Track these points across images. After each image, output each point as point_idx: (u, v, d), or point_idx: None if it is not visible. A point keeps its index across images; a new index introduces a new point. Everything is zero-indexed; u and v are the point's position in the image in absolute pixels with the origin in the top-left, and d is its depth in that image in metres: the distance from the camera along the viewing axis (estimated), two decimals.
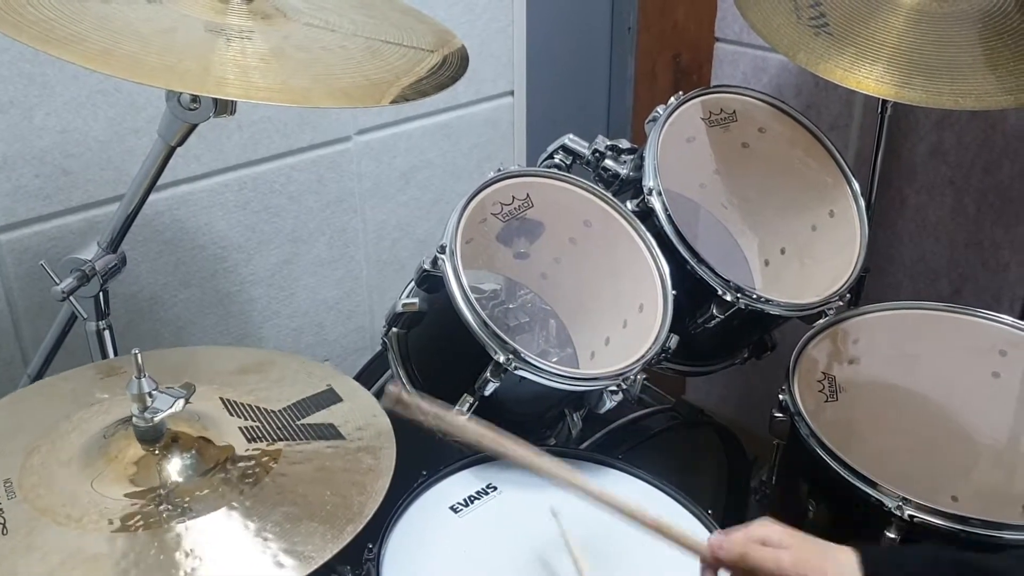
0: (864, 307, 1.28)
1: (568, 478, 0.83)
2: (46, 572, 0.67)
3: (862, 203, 1.28)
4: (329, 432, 0.83)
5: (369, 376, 1.39)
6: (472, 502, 1.02)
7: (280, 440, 0.81)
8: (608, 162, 1.27)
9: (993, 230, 1.55)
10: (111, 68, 0.71)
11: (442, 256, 1.03)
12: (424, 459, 1.04)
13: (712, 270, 1.14)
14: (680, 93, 1.26)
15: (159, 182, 0.96)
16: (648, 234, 1.14)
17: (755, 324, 1.27)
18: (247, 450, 0.80)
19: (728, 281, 1.15)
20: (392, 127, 1.49)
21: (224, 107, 0.87)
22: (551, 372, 1.00)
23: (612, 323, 1.18)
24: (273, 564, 0.69)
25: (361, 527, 0.72)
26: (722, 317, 1.16)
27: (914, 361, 1.30)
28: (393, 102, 0.82)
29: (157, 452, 0.77)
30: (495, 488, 1.04)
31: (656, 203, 1.16)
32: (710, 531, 1.01)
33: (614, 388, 1.05)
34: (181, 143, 0.92)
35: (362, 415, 0.86)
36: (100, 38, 0.73)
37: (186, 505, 0.73)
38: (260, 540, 0.71)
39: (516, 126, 1.65)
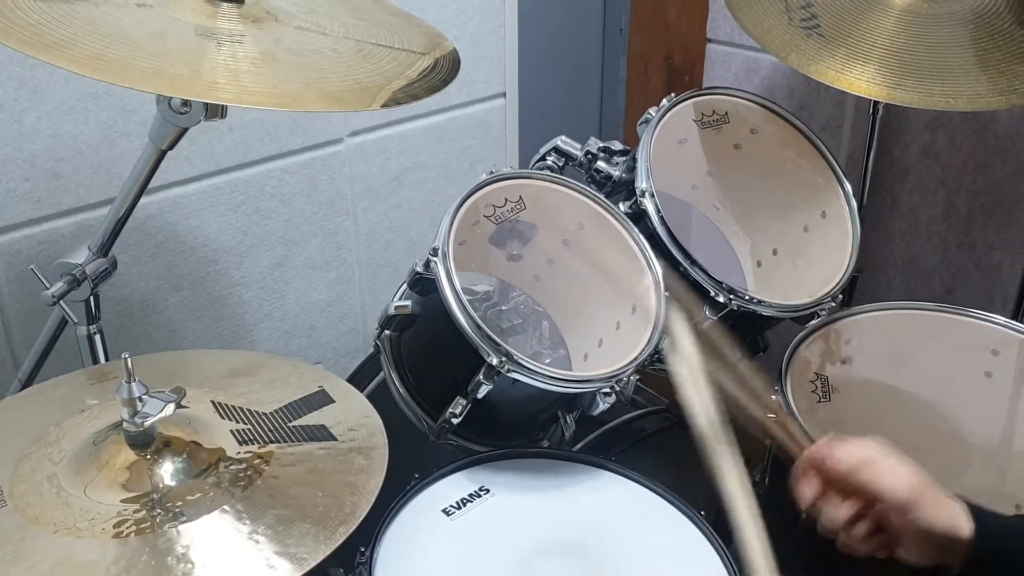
0: (856, 307, 1.28)
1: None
2: None
3: (854, 204, 1.29)
4: (321, 434, 0.83)
5: (362, 378, 1.39)
6: (464, 505, 1.01)
7: (272, 442, 0.81)
8: (600, 164, 1.27)
9: (985, 230, 1.56)
10: (101, 73, 0.70)
11: (435, 259, 1.03)
12: (416, 462, 1.04)
13: (705, 272, 1.14)
14: (672, 95, 1.27)
15: (150, 185, 0.95)
16: (641, 236, 1.14)
17: (748, 325, 1.27)
18: (239, 453, 0.79)
19: (721, 283, 1.15)
20: (384, 129, 1.49)
21: (215, 111, 0.86)
22: (544, 375, 1.00)
23: (605, 325, 1.18)
24: (266, 566, 0.69)
25: (354, 528, 0.72)
26: (715, 319, 1.16)
27: (907, 361, 1.30)
28: (384, 106, 0.81)
29: (148, 457, 0.77)
30: (487, 491, 1.04)
31: (649, 205, 1.16)
32: (703, 533, 1.01)
33: (607, 390, 1.05)
34: (172, 147, 0.91)
35: (354, 416, 0.86)
36: (90, 42, 0.73)
37: (178, 509, 0.73)
38: (252, 543, 0.71)
39: (508, 128, 1.65)
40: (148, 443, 0.77)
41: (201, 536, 0.71)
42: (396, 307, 1.11)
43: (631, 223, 1.16)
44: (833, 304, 1.23)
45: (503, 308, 1.26)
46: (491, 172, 1.12)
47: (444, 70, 0.90)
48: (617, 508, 1.03)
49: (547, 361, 1.20)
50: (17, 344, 1.20)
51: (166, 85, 0.73)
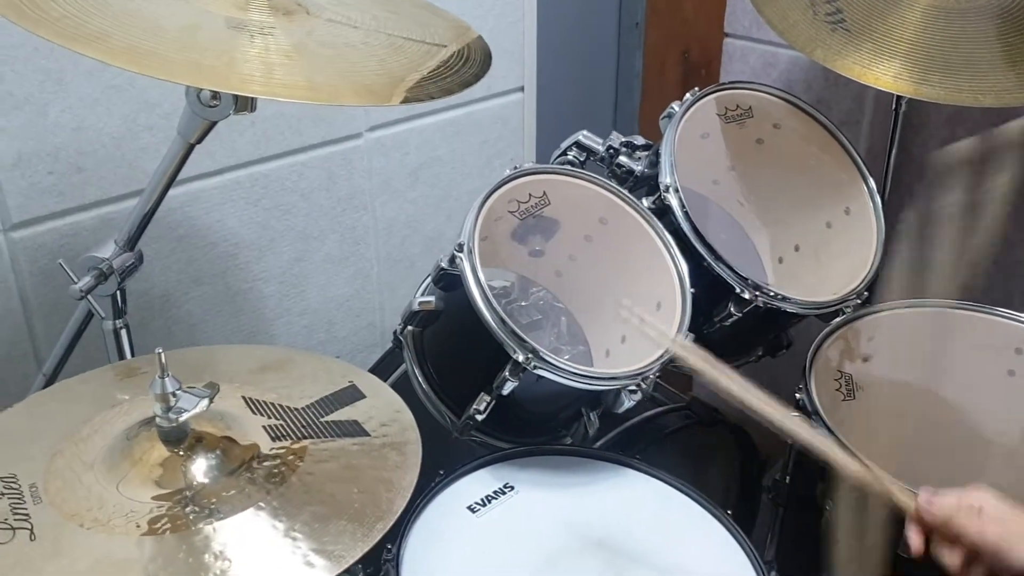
0: (878, 305, 1.28)
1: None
2: None
3: (879, 200, 1.28)
4: (354, 429, 0.82)
5: (380, 373, 1.38)
6: (490, 501, 1.01)
7: (305, 438, 0.80)
8: (622, 159, 1.27)
9: (1004, 226, 1.55)
10: (137, 65, 0.70)
11: (460, 254, 1.02)
12: (441, 458, 1.04)
13: (731, 268, 1.14)
14: (696, 89, 1.26)
15: None
16: (666, 232, 1.14)
17: (770, 322, 1.26)
18: (272, 449, 0.79)
19: (746, 279, 1.14)
20: (403, 123, 1.48)
21: (244, 104, 0.86)
22: (571, 371, 0.99)
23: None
24: (303, 564, 0.68)
25: (391, 524, 0.71)
26: (739, 315, 1.15)
27: (928, 359, 1.30)
28: (417, 100, 0.81)
29: (182, 453, 0.76)
30: (512, 488, 1.03)
31: (673, 200, 1.15)
32: (729, 531, 1.01)
33: (633, 387, 1.05)
34: (200, 140, 0.91)
35: (385, 412, 0.85)
36: (124, 35, 0.72)
37: (213, 506, 0.73)
38: (289, 540, 0.70)
39: (526, 122, 1.65)
40: (181, 439, 0.77)
41: (237, 533, 0.71)
42: (420, 303, 1.10)
43: (655, 219, 1.15)
44: (859, 301, 1.22)
45: (522, 303, 1.25)
46: (515, 167, 1.12)
47: (475, 64, 0.89)
48: (642, 506, 1.03)
49: (566, 356, 1.20)
50: (40, 338, 1.20)
51: (202, 78, 0.72)
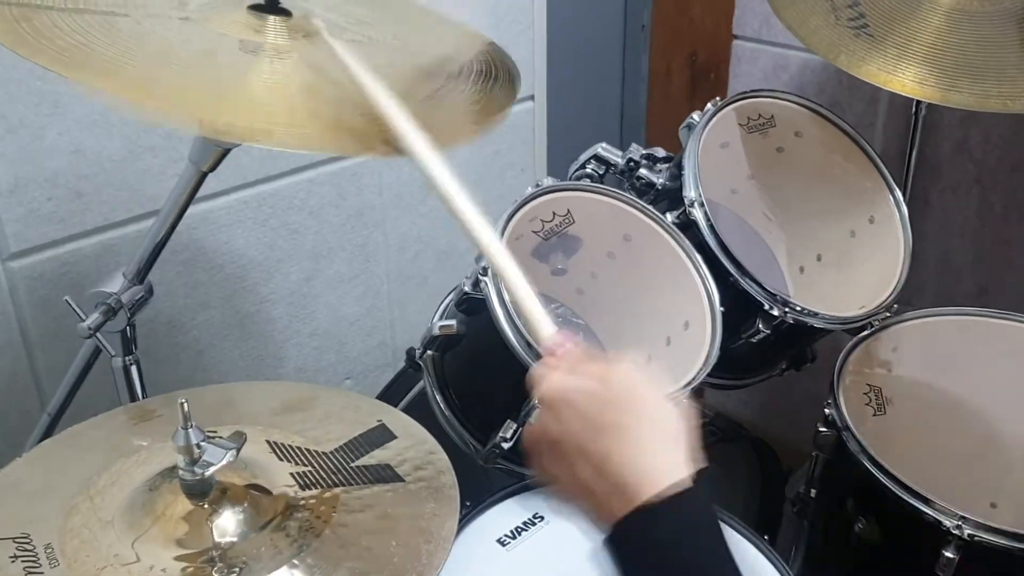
0: (901, 314, 1.25)
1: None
2: None
3: (904, 209, 1.25)
4: (387, 474, 0.78)
5: (394, 394, 1.35)
6: (520, 534, 0.98)
7: (336, 485, 0.76)
8: (643, 171, 1.23)
9: (1020, 228, 1.53)
10: (151, 101, 0.65)
11: (484, 278, 0.98)
12: (466, 489, 1.00)
13: (759, 284, 1.11)
14: (717, 99, 1.22)
15: None
16: (693, 249, 1.10)
17: (796, 336, 1.23)
18: (302, 499, 0.75)
19: (775, 295, 1.11)
20: None
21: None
22: None
23: (654, 340, 1.14)
24: None
25: None
26: (768, 331, 1.12)
27: (951, 366, 1.28)
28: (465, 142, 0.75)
29: (207, 507, 0.72)
30: (542, 518, 1.00)
31: (698, 214, 1.12)
32: (764, 555, 0.98)
33: None
34: (214, 168, 0.86)
35: (418, 453, 0.81)
36: (137, 67, 0.67)
37: (244, 564, 0.68)
38: None
39: (537, 131, 1.60)
40: (206, 492, 0.72)
41: None
42: (441, 327, 1.06)
43: (682, 235, 1.11)
44: (888, 314, 1.19)
45: None
46: (536, 185, 1.08)
47: (503, 81, 0.85)
48: None
49: None
50: (41, 371, 1.15)
51: (221, 133, 0.67)
